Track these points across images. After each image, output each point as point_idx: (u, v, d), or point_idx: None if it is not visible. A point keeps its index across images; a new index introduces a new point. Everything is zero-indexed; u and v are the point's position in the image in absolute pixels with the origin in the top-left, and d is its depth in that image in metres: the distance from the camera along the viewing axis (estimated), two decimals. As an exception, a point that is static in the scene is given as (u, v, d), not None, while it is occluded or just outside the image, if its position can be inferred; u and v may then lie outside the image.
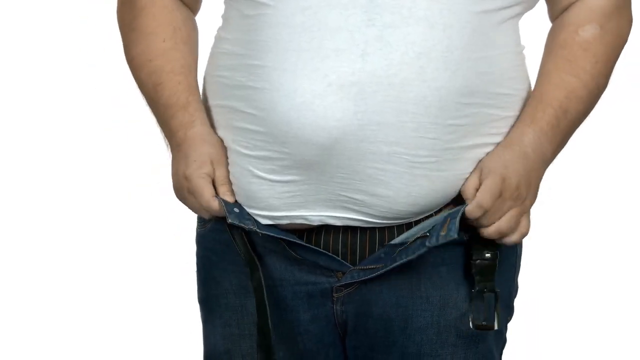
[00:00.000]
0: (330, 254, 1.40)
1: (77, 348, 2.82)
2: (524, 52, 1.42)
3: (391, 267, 1.37)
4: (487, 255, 1.36)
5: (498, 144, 1.36)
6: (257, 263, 1.41)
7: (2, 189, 2.98)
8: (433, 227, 1.34)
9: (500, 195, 1.33)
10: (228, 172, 1.40)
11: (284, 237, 1.39)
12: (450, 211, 1.35)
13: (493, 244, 1.37)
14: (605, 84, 1.41)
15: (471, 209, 1.32)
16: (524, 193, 1.35)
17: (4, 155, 2.99)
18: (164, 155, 1.49)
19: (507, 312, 1.48)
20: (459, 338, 1.41)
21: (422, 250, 1.34)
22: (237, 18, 1.37)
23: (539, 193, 1.40)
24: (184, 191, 1.42)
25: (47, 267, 2.94)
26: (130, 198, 2.93)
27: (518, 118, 1.38)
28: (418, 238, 1.35)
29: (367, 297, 1.42)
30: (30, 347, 2.82)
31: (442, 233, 1.32)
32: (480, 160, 1.36)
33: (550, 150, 1.38)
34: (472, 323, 1.36)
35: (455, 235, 1.31)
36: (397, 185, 1.33)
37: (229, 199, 1.40)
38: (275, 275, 1.44)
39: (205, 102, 1.44)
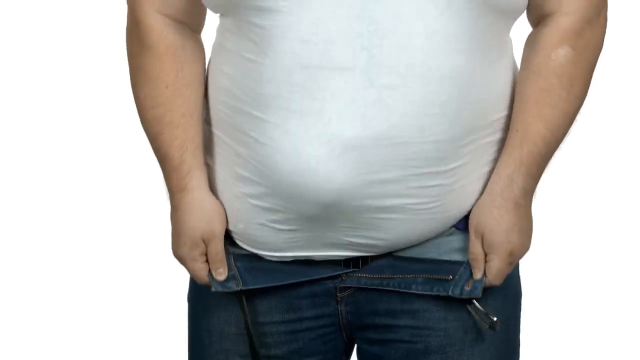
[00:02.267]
0: (333, 269, 1.43)
1: (73, 347, 2.80)
2: (516, 56, 1.43)
3: (404, 291, 1.41)
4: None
5: (488, 194, 1.38)
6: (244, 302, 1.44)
7: (2, 189, 2.97)
8: (458, 273, 1.39)
9: (510, 264, 1.40)
10: (222, 244, 1.42)
11: (274, 284, 1.43)
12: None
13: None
14: (583, 100, 1.41)
15: (487, 282, 1.39)
16: (528, 246, 1.41)
17: (4, 155, 2.97)
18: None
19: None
20: (467, 334, 1.42)
21: (442, 294, 1.39)
22: (234, 54, 1.35)
23: (539, 194, 1.41)
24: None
25: (43, 266, 2.91)
26: (125, 198, 2.92)
27: (504, 155, 1.38)
28: (438, 279, 1.39)
29: (372, 295, 1.43)
30: (29, 347, 2.81)
31: (467, 288, 1.39)
32: (474, 215, 1.38)
33: (535, 185, 1.40)
34: (489, 325, 1.39)
35: (480, 295, 1.38)
36: (401, 230, 1.36)
37: (222, 278, 1.43)
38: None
39: (208, 122, 1.43)
